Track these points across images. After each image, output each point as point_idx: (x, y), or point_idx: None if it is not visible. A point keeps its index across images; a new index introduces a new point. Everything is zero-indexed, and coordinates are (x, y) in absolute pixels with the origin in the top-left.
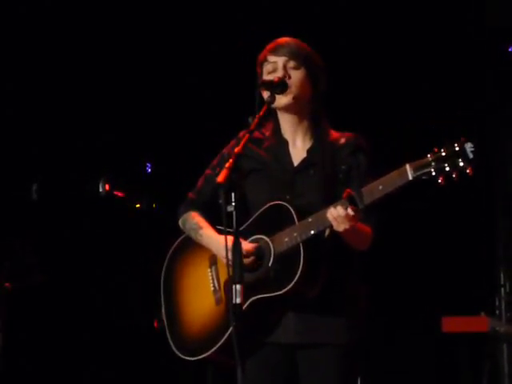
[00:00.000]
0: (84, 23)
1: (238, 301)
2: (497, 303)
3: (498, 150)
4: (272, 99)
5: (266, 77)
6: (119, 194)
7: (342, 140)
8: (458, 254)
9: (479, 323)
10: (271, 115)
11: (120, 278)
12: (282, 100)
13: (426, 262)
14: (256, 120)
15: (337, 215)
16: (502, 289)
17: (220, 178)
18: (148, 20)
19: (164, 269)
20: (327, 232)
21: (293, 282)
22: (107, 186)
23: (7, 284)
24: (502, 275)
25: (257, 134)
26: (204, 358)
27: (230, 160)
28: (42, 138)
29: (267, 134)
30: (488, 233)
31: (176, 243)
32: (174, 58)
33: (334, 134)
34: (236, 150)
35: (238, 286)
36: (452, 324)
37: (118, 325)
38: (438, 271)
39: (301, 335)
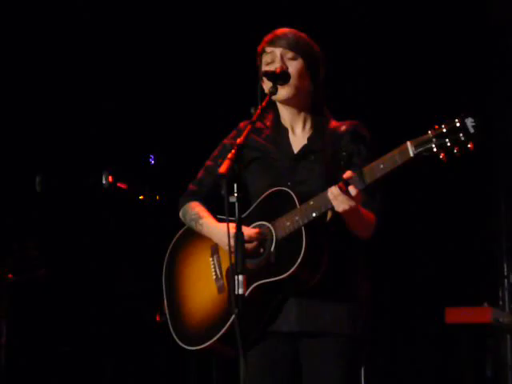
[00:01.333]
0: (87, 19)
1: (241, 291)
2: (500, 294)
3: (500, 139)
4: (274, 90)
5: (265, 67)
6: (122, 186)
7: (343, 128)
8: (461, 245)
9: (482, 314)
10: (272, 105)
11: (124, 271)
12: (281, 92)
13: (430, 253)
14: (258, 111)
15: (337, 194)
16: (506, 280)
17: (222, 169)
18: (148, 13)
19: (165, 261)
20: (329, 215)
21: (295, 266)
22: (110, 178)
23: (10, 275)
24: (505, 266)
25: (258, 123)
26: (206, 347)
27: (233, 151)
28: (45, 130)
29: (267, 123)
30: (492, 223)
31: (177, 235)
32: (175, 50)
33: (335, 122)
34: (238, 140)
35: (241, 277)
36: (455, 314)
37: (121, 318)
38: (442, 262)
39: (302, 324)
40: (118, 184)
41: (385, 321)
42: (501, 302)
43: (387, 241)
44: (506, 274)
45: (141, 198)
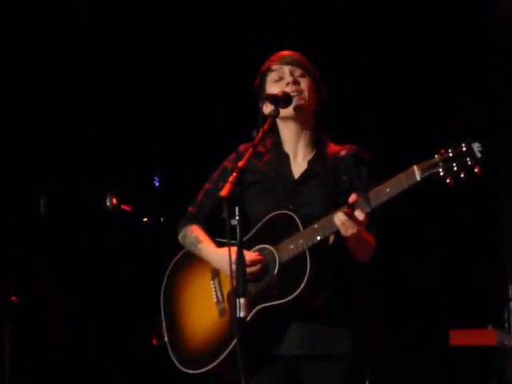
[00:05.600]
0: (91, 32)
1: (242, 314)
2: (505, 316)
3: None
4: (276, 113)
5: (272, 85)
6: (127, 208)
7: (343, 152)
8: (466, 267)
9: (487, 336)
10: (272, 129)
11: (127, 293)
12: (291, 108)
13: (434, 275)
14: (260, 134)
15: (344, 219)
16: (511, 302)
17: (224, 192)
18: (151, 35)
19: (164, 283)
20: (331, 239)
21: (300, 288)
22: (115, 200)
23: (14, 298)
24: (510, 288)
25: (259, 147)
26: (207, 370)
27: (234, 174)
28: (50, 152)
29: (267, 147)
30: (497, 246)
31: (176, 258)
32: (177, 70)
33: (334, 147)
34: (240, 164)
35: (242, 300)
36: (459, 337)
37: (120, 339)
38: (446, 284)
39: (305, 347)
40: (123, 206)
41: (389, 343)
42: (506, 325)
43: (390, 262)
44: (510, 296)
45: (145, 220)
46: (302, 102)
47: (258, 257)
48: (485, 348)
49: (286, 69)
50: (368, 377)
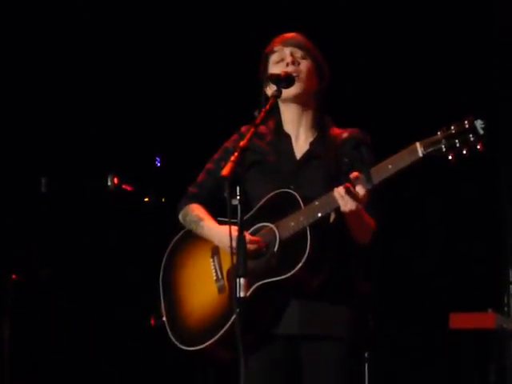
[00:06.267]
0: (91, 22)
1: (242, 294)
2: (505, 300)
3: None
4: (278, 93)
5: (273, 67)
6: (128, 188)
7: (345, 134)
8: (466, 251)
9: (486, 320)
10: (274, 110)
11: (129, 274)
12: (290, 89)
13: (434, 258)
14: (262, 114)
15: (344, 193)
16: (510, 286)
17: (225, 172)
18: (152, 17)
19: (163, 263)
20: (332, 217)
21: (300, 264)
22: (116, 180)
23: (14, 276)
24: (510, 272)
25: (261, 128)
26: (205, 347)
27: (236, 153)
28: (51, 132)
29: (269, 127)
30: (497, 229)
31: (175, 238)
32: (177, 53)
33: (337, 129)
34: (241, 143)
35: (242, 280)
36: (459, 320)
37: (120, 321)
38: (446, 267)
39: (303, 327)
40: (123, 186)
41: (388, 325)
42: (505, 308)
43: (390, 245)
44: (510, 280)
45: (146, 200)
46: (301, 83)
47: (257, 236)
48: (484, 331)
49: (287, 50)
50: (367, 359)
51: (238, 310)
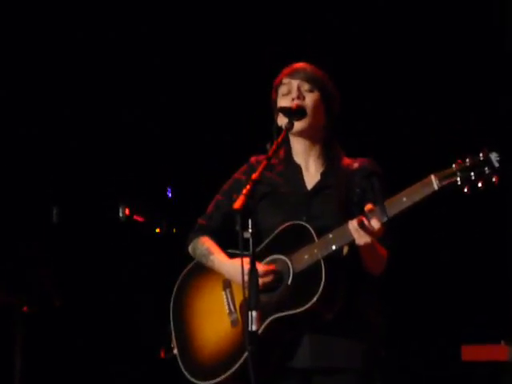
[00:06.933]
0: (97, 47)
1: (254, 328)
2: None
3: None
4: (290, 126)
5: (282, 99)
6: (139, 219)
7: (356, 165)
8: (478, 282)
9: (499, 352)
10: (284, 140)
11: (141, 305)
12: (296, 124)
13: (446, 289)
14: (274, 146)
15: (359, 227)
16: None
17: (237, 205)
18: (164, 48)
19: (174, 294)
20: (345, 250)
21: (315, 298)
22: (127, 211)
23: (25, 308)
24: None
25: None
26: (219, 381)
27: (248, 186)
28: (63, 162)
29: (279, 157)
30: (510, 260)
31: (185, 270)
32: (192, 85)
33: (347, 159)
34: (254, 176)
35: (254, 313)
36: (472, 352)
37: (131, 351)
38: (458, 299)
39: (316, 360)
40: (135, 217)
41: (401, 357)
42: None
43: (402, 276)
44: None
45: (157, 230)
46: (306, 118)
47: (271, 267)
48: (497, 363)
49: (295, 83)
50: None
51: (249, 347)
